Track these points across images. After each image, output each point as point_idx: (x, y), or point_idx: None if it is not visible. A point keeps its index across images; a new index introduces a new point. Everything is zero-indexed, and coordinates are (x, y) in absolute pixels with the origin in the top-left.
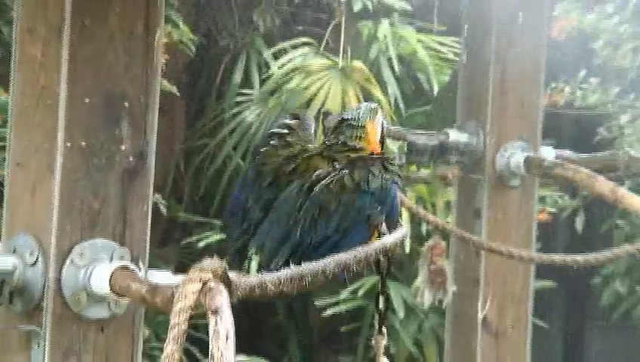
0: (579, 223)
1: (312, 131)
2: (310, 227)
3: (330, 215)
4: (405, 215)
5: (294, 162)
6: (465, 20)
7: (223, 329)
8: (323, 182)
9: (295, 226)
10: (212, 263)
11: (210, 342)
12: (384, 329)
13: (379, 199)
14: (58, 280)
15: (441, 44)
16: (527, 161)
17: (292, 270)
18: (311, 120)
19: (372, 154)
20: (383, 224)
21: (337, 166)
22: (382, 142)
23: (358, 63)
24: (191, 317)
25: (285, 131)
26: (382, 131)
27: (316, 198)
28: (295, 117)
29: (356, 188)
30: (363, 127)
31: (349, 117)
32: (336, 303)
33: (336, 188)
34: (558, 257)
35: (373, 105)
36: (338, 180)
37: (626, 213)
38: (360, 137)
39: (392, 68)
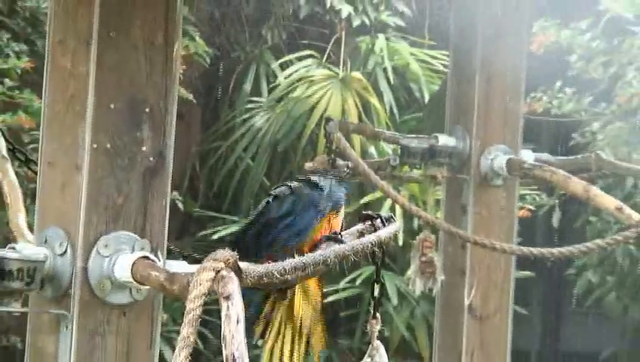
0: (555, 219)
1: None
2: (265, 209)
3: (282, 201)
4: (399, 211)
5: None
6: (453, 35)
7: (234, 313)
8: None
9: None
10: (224, 253)
11: (222, 325)
12: (378, 315)
13: (328, 194)
14: (85, 268)
15: (432, 56)
16: (508, 162)
17: (296, 260)
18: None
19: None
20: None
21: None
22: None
23: (356, 74)
24: (204, 303)
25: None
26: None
27: (273, 191)
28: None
29: (309, 185)
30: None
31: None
32: (336, 291)
33: (292, 185)
34: (536, 250)
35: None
36: (296, 181)
37: (597, 211)
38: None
39: (387, 78)
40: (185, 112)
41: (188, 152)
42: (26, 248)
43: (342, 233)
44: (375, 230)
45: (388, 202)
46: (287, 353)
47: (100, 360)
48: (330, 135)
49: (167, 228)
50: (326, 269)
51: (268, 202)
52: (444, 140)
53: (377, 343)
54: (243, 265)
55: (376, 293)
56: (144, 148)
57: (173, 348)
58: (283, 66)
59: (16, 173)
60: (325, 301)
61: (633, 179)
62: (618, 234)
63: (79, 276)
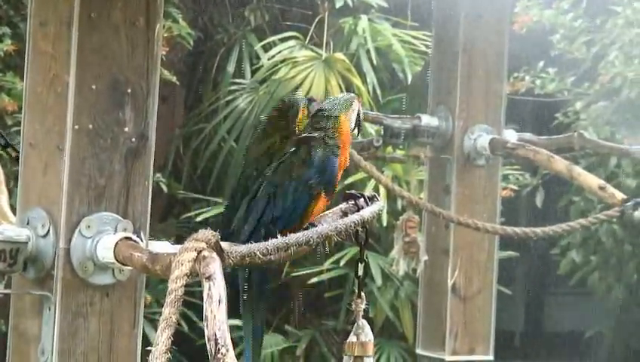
0: (539, 199)
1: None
2: (270, 203)
3: (286, 191)
4: (382, 191)
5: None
6: (435, 16)
7: (215, 293)
8: (273, 164)
9: (258, 205)
10: (206, 234)
11: (204, 306)
12: (363, 294)
13: (320, 169)
14: (67, 249)
15: (414, 37)
16: (491, 142)
17: (278, 240)
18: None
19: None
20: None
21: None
22: (359, 127)
23: (339, 55)
24: (190, 285)
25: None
26: (358, 118)
27: (271, 179)
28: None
29: (302, 164)
30: (336, 117)
31: (326, 107)
32: (321, 272)
33: (287, 167)
34: (519, 229)
35: (350, 96)
36: (287, 160)
37: (580, 190)
38: (334, 127)
39: (370, 59)
40: (168, 94)
41: (172, 134)
42: (8, 229)
43: (326, 212)
44: (358, 209)
45: (371, 183)
46: None
47: (84, 341)
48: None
49: (149, 209)
50: (309, 249)
51: (268, 196)
52: (427, 120)
53: (362, 322)
54: (225, 245)
55: (360, 272)
56: (126, 129)
57: (157, 329)
58: (266, 48)
59: None
60: (309, 282)
61: (616, 158)
62: (601, 213)
63: (62, 257)
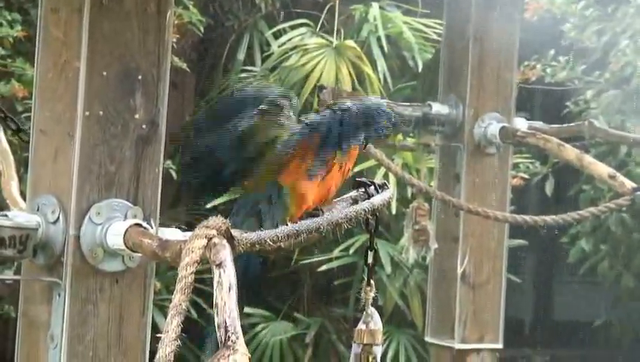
0: (548, 188)
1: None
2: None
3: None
4: (392, 179)
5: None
6: (446, 4)
7: (226, 280)
8: None
9: None
10: (216, 221)
11: (214, 293)
12: (372, 282)
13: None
14: (77, 236)
15: (425, 25)
16: (502, 130)
17: (289, 227)
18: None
19: None
20: None
21: None
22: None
23: (350, 42)
24: (200, 272)
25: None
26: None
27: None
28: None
29: None
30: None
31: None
32: (330, 259)
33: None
34: (529, 218)
35: None
36: None
37: (590, 178)
38: None
39: (381, 47)
40: (179, 81)
41: (182, 121)
42: (19, 216)
43: (336, 200)
44: (368, 197)
45: (381, 170)
46: None
47: (93, 328)
48: (323, 103)
49: (159, 196)
50: (319, 237)
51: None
52: (438, 108)
53: (372, 310)
54: (235, 232)
55: (369, 260)
56: (137, 116)
57: (166, 316)
58: (276, 35)
59: (10, 142)
60: (319, 269)
61: (626, 147)
62: (611, 201)
63: (72, 244)
